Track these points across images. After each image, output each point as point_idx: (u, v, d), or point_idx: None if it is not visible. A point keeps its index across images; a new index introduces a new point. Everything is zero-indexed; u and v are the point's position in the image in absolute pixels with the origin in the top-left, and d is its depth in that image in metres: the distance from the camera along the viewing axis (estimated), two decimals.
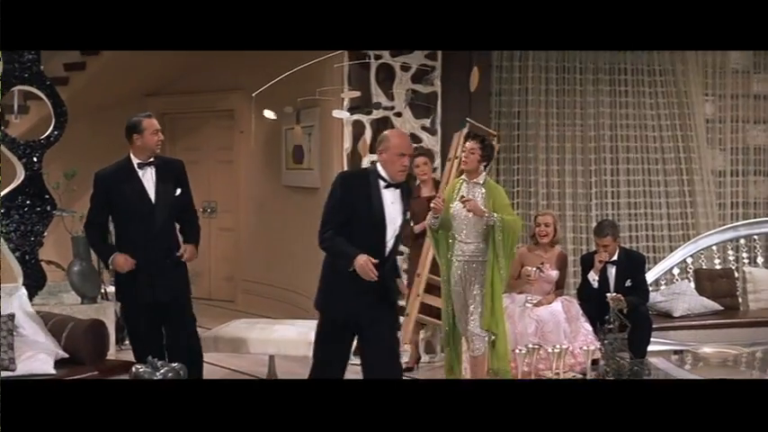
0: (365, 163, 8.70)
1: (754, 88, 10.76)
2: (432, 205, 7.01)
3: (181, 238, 6.87)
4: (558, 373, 5.60)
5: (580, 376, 5.78)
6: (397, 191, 5.83)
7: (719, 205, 10.46)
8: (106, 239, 6.81)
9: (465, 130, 7.99)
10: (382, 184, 5.83)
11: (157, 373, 5.66)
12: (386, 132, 6.12)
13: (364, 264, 5.62)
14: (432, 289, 8.06)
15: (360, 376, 5.90)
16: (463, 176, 7.18)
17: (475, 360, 6.97)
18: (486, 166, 7.16)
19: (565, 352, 5.69)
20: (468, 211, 6.86)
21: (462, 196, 7.00)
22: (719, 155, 10.63)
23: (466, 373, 7.24)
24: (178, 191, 6.80)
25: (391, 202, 5.85)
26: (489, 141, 7.20)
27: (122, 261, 6.54)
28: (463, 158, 7.15)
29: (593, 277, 7.92)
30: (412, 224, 8.25)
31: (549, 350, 5.77)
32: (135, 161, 6.66)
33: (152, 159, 6.68)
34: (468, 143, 7.14)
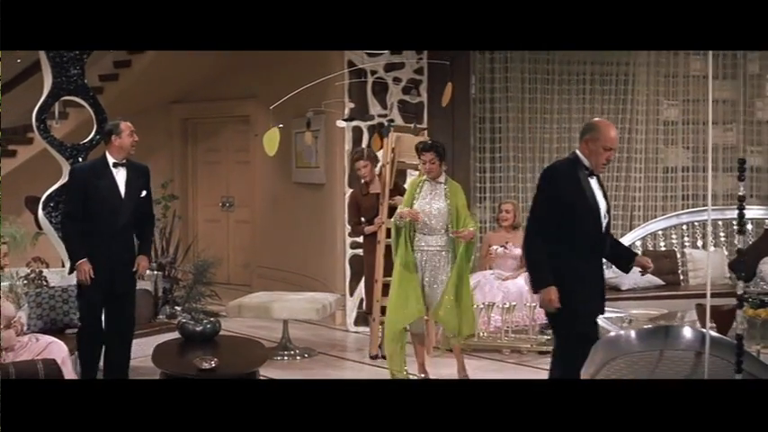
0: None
1: (716, 94, 11.31)
2: (409, 213, 7.43)
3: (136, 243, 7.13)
4: (508, 328, 6.84)
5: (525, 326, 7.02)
6: (596, 178, 5.66)
7: (672, 197, 11.29)
8: (82, 240, 6.90)
9: (394, 136, 8.66)
10: (586, 172, 5.62)
11: (199, 326, 7.05)
12: (596, 123, 5.79)
13: (551, 300, 5.37)
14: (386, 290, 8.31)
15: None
16: (425, 176, 7.57)
17: (421, 337, 7.65)
18: (444, 165, 7.56)
19: (513, 308, 6.91)
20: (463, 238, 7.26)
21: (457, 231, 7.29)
22: (683, 153, 11.35)
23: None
24: (143, 192, 7.10)
25: (597, 189, 5.66)
26: (440, 145, 7.59)
27: (86, 269, 6.78)
28: (426, 169, 7.50)
29: None
30: (363, 221, 8.81)
31: (500, 306, 6.97)
32: (111, 160, 6.96)
33: (124, 161, 7.00)
34: (425, 155, 7.49)
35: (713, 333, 4.34)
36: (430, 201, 7.55)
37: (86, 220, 6.90)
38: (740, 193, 3.94)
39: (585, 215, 5.55)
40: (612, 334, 4.52)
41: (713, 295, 8.72)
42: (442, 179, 7.60)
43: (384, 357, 8.50)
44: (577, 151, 5.70)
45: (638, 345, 4.39)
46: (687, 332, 4.38)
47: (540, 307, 5.47)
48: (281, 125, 8.48)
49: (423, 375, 7.70)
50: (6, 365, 5.80)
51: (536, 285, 5.49)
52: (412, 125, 9.31)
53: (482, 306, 6.86)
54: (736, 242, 10.74)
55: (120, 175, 7.01)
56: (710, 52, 4.89)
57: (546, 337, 6.70)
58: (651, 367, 4.34)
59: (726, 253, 10.73)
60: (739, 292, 4.17)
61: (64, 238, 7.31)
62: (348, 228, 9.61)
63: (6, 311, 6.25)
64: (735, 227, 10.82)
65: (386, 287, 8.35)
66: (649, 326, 4.52)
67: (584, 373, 4.73)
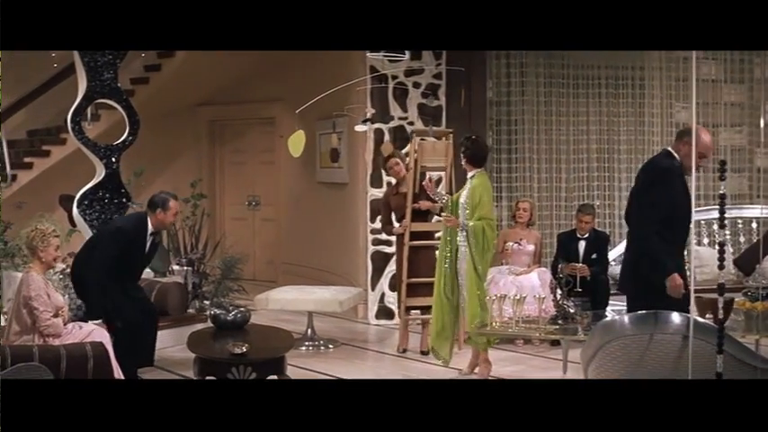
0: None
1: (725, 97, 11.68)
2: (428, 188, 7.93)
3: None
4: (518, 319, 7.23)
5: (534, 316, 7.41)
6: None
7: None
8: (106, 294, 7.22)
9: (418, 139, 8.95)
10: (680, 169, 5.82)
11: (230, 315, 7.46)
12: (698, 128, 5.94)
13: (679, 285, 5.62)
14: (411, 290, 8.82)
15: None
16: None
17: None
18: (474, 164, 7.68)
19: (524, 299, 7.30)
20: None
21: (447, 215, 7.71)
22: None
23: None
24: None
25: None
26: (469, 143, 7.72)
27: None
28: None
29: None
30: (394, 219, 9.08)
31: (511, 297, 7.36)
32: (150, 229, 7.39)
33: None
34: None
35: (698, 318, 4.78)
36: (462, 195, 7.80)
37: (111, 275, 7.25)
38: (721, 192, 4.35)
39: (685, 216, 5.83)
40: (608, 319, 4.96)
41: (714, 290, 9.09)
42: (470, 174, 7.77)
43: (404, 351, 9.00)
44: (670, 149, 5.92)
45: (630, 329, 4.84)
46: (675, 317, 4.82)
47: (670, 294, 5.59)
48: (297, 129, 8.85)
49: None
50: (57, 347, 6.29)
51: (663, 275, 5.65)
52: (428, 128, 9.64)
53: (494, 298, 7.24)
54: (741, 240, 11.17)
55: (149, 241, 7.46)
56: (694, 54, 5.26)
57: (554, 327, 7.11)
58: (642, 349, 4.78)
59: (731, 250, 11.01)
60: (720, 281, 4.57)
61: (87, 291, 7.46)
62: (370, 225, 9.99)
63: (56, 301, 6.73)
64: (739, 225, 11.20)
65: (410, 287, 8.74)
66: (641, 311, 4.93)
67: (583, 355, 5.17)
